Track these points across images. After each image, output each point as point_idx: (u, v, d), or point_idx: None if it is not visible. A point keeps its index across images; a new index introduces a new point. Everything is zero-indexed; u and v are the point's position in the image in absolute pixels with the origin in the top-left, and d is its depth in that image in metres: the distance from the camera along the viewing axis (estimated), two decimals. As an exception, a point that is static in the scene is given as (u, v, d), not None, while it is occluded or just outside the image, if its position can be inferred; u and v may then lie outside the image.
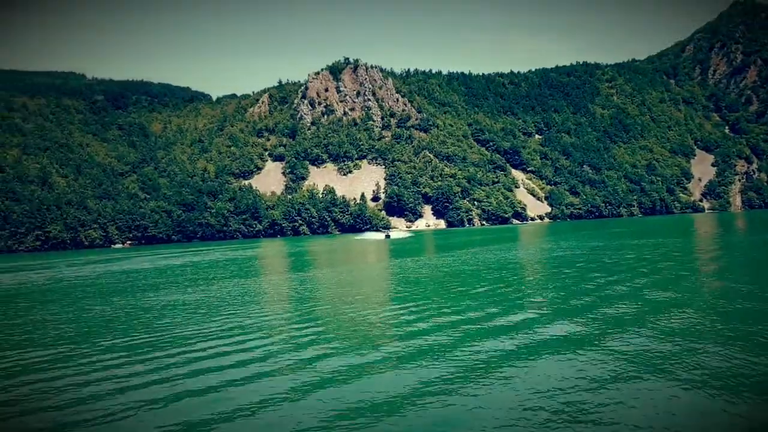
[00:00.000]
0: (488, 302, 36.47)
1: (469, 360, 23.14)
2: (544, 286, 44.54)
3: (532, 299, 37.08)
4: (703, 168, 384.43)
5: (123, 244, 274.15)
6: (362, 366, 23.13)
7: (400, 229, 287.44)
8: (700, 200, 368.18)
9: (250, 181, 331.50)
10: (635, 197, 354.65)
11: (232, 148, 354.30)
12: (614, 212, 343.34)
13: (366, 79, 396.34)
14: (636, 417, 16.53)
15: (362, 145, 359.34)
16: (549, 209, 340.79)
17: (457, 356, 23.83)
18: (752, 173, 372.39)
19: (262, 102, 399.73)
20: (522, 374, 20.91)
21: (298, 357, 24.90)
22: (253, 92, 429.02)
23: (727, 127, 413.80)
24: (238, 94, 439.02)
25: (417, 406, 18.38)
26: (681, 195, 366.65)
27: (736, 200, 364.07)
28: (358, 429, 16.87)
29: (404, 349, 25.32)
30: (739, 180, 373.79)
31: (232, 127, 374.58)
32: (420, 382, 20.55)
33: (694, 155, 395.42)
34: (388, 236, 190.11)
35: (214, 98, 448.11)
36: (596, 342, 25.02)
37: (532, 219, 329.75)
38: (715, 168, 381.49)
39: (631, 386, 19.01)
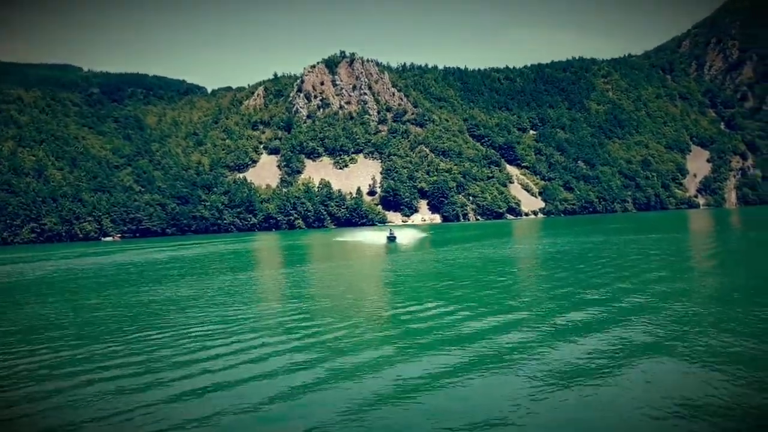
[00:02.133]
0: (501, 297, 36.71)
1: (474, 351, 23.62)
2: (550, 280, 44.88)
3: (544, 293, 37.38)
4: (698, 164, 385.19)
5: (114, 237, 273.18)
6: (362, 361, 23.43)
7: (408, 225, 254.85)
8: (695, 196, 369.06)
9: (245, 174, 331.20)
10: (630, 193, 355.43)
11: (227, 141, 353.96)
12: (608, 208, 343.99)
13: (362, 72, 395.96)
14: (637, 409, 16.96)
15: (358, 139, 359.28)
16: (543, 204, 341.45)
17: (454, 349, 24.18)
18: (747, 169, 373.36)
19: (258, 95, 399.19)
20: (523, 365, 21.29)
21: (295, 352, 25.10)
22: (249, 85, 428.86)
23: (722, 123, 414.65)
24: (234, 87, 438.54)
25: (413, 398, 18.83)
26: (676, 191, 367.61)
27: (731, 196, 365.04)
28: (357, 424, 17.16)
29: (407, 342, 25.61)
30: (734, 176, 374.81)
31: (227, 119, 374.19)
32: (416, 375, 21.06)
33: (690, 151, 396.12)
34: (392, 238, 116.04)
35: (210, 91, 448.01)
36: (594, 333, 25.50)
37: (526, 214, 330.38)
38: (711, 164, 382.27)
39: (630, 375, 19.52)
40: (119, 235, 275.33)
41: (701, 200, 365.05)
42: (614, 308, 32.29)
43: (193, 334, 30.34)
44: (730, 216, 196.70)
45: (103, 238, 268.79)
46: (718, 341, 23.90)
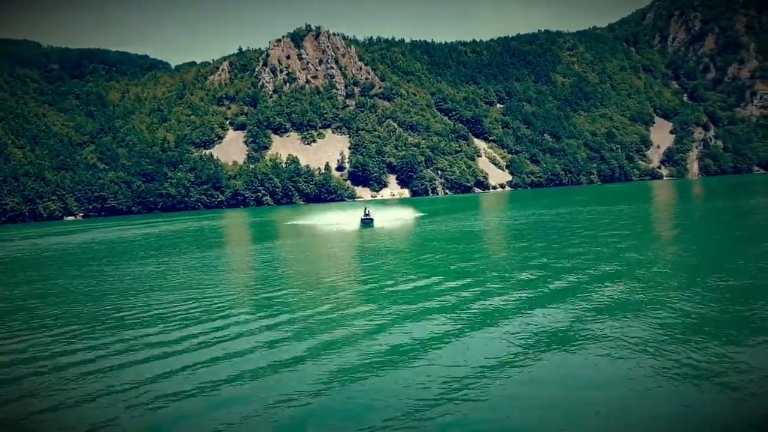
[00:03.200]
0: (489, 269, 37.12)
1: (452, 319, 24.04)
2: (531, 251, 45.71)
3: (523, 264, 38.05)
4: (661, 135, 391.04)
5: (76, 216, 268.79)
6: (341, 334, 23.70)
7: (385, 202, 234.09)
8: (659, 167, 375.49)
9: (211, 150, 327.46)
10: (595, 165, 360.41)
11: (192, 117, 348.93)
12: (574, 180, 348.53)
13: (328, 46, 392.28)
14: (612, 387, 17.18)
15: (326, 113, 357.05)
16: (510, 178, 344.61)
17: (429, 319, 24.56)
18: (709, 140, 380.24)
19: (223, 70, 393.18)
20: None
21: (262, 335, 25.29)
22: (213, 60, 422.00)
23: (685, 95, 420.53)
24: (198, 62, 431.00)
25: (387, 370, 18.99)
26: (640, 162, 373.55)
27: (694, 167, 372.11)
28: (332, 399, 17.39)
29: (372, 320, 25.96)
30: (697, 147, 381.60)
31: (191, 95, 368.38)
32: (392, 347, 21.23)
33: (653, 123, 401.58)
34: (368, 221, 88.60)
35: (173, 66, 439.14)
36: (568, 299, 26.27)
37: (494, 187, 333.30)
38: (674, 135, 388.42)
39: (604, 338, 20.23)
40: (81, 215, 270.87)
41: (664, 171, 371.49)
42: (586, 276, 33.26)
43: (157, 315, 30.41)
44: (692, 187, 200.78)
45: (65, 218, 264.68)
46: (686, 304, 24.86)
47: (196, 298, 34.46)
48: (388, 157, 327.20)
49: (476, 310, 27.42)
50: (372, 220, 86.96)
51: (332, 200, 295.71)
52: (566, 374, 18.03)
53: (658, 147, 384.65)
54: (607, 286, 30.68)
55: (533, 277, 34.99)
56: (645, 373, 17.68)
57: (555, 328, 23.09)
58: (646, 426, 14.79)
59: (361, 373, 19.45)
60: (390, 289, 34.37)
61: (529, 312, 26.19)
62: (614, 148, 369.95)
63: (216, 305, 32.05)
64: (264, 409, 17.00)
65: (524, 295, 30.10)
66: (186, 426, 16.41)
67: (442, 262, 45.10)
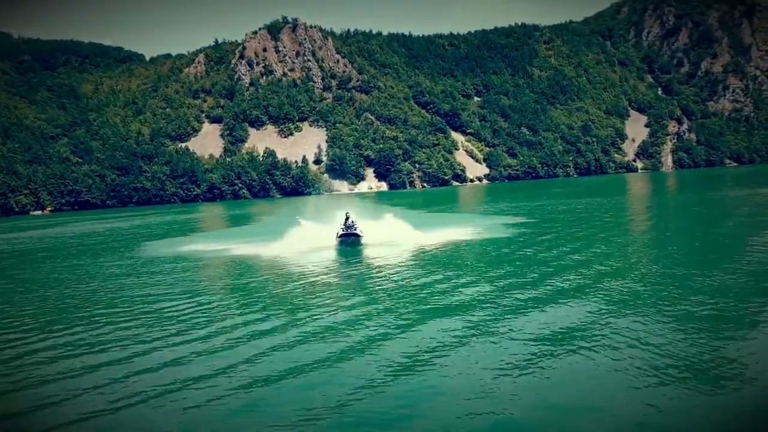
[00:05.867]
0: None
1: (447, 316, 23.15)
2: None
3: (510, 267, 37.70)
4: (636, 129, 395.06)
5: (43, 210, 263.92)
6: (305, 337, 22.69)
7: (364, 193, 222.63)
8: (634, 160, 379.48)
9: (186, 143, 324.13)
10: (571, 158, 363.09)
11: (167, 109, 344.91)
12: (551, 173, 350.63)
13: (305, 39, 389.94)
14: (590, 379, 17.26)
15: (303, 106, 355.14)
16: (488, 171, 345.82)
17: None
18: (683, 134, 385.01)
19: (198, 62, 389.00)
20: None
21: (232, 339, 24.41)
22: (189, 52, 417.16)
23: (659, 89, 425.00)
24: (173, 54, 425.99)
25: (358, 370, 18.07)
26: (615, 155, 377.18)
27: (668, 160, 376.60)
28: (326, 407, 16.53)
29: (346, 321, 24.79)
30: (671, 140, 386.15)
31: (167, 88, 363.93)
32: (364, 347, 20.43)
33: (629, 116, 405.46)
34: (349, 236, 50.52)
35: (148, 58, 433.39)
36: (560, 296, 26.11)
37: (471, 180, 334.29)
38: (648, 129, 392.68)
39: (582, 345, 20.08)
40: (49, 209, 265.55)
41: (639, 164, 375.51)
42: (582, 270, 33.28)
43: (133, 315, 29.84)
44: (668, 179, 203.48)
45: (32, 212, 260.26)
46: (679, 299, 24.96)
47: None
48: (366, 150, 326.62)
49: (493, 310, 27.21)
50: (358, 236, 50.32)
51: (309, 194, 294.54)
52: (565, 375, 17.69)
53: (633, 140, 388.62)
54: (606, 281, 30.74)
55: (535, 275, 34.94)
56: (647, 371, 17.60)
57: (551, 329, 22.92)
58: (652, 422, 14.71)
59: (363, 377, 18.75)
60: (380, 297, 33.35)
61: (534, 310, 26.04)
62: (590, 141, 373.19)
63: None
64: (258, 402, 16.60)
65: (528, 295, 29.98)
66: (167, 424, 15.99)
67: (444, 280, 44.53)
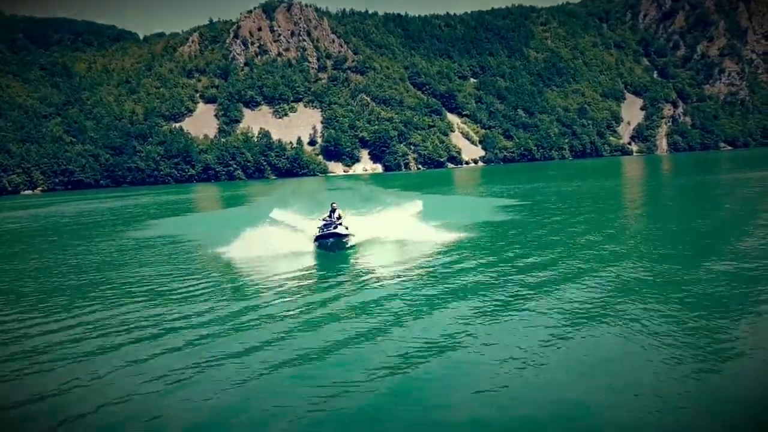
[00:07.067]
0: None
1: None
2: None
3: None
4: (632, 112, 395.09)
5: (33, 190, 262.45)
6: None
7: (359, 174, 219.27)
8: (629, 143, 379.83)
9: (181, 123, 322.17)
10: (567, 140, 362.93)
11: (161, 89, 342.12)
12: (546, 155, 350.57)
13: (301, 18, 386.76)
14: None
15: (298, 87, 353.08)
16: (483, 153, 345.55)
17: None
18: (678, 117, 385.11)
19: (192, 41, 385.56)
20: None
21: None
22: (183, 31, 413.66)
23: (655, 72, 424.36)
24: (167, 33, 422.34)
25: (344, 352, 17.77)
26: (611, 138, 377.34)
27: (663, 143, 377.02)
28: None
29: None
30: (666, 123, 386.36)
31: (160, 67, 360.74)
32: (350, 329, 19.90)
33: (624, 99, 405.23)
34: (328, 238, 36.27)
35: (142, 37, 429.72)
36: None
37: (467, 163, 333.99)
38: (644, 112, 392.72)
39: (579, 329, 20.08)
40: (40, 189, 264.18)
41: (634, 147, 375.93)
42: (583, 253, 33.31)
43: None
44: (664, 163, 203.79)
45: (22, 192, 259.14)
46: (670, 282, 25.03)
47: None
48: (361, 131, 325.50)
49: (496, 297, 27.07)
50: (340, 236, 36.72)
51: (304, 175, 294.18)
52: (571, 365, 17.21)
53: (629, 123, 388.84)
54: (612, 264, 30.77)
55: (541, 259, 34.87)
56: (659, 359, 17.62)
57: (554, 315, 22.93)
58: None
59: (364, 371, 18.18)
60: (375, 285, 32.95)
61: (544, 292, 26.08)
62: (586, 123, 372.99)
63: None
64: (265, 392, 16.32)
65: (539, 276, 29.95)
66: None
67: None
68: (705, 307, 21.34)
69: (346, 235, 36.91)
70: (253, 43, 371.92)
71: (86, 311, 25.44)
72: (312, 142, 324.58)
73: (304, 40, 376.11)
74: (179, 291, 28.25)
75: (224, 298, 26.41)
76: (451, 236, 39.40)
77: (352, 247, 37.87)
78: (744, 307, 21.21)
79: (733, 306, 21.39)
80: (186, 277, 31.41)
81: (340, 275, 30.87)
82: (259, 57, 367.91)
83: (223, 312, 23.80)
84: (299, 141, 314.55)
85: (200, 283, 29.54)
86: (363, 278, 29.41)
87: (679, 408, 14.05)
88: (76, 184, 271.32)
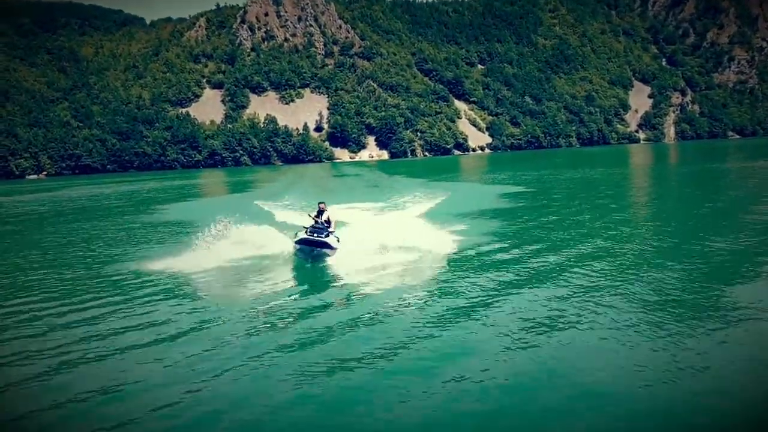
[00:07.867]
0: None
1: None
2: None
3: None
4: (640, 99, 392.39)
5: (38, 175, 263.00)
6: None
7: (365, 161, 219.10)
8: (636, 131, 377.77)
9: (187, 109, 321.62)
10: (574, 128, 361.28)
11: (168, 74, 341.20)
12: (553, 143, 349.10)
13: (308, 3, 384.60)
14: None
15: (304, 73, 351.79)
16: (490, 140, 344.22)
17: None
18: (686, 105, 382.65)
19: (199, 26, 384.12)
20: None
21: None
22: (189, 16, 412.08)
23: (664, 60, 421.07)
24: (174, 18, 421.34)
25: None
26: (618, 126, 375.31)
27: (670, 132, 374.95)
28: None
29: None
30: (674, 112, 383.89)
31: (167, 52, 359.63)
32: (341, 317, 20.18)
33: (632, 86, 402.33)
34: (310, 244, 31.62)
35: (149, 22, 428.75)
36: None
37: (473, 150, 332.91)
38: (652, 100, 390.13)
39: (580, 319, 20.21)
40: (44, 173, 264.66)
41: (642, 135, 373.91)
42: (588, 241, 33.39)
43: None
44: (672, 151, 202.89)
45: (27, 176, 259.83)
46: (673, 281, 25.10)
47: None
48: (367, 118, 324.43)
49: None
50: (326, 245, 31.68)
51: (311, 161, 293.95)
52: (560, 363, 17.01)
53: (636, 111, 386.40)
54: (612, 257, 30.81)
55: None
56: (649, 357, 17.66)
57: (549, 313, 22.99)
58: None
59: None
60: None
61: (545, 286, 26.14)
62: (593, 111, 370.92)
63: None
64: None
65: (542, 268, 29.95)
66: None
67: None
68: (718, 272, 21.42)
69: (330, 246, 31.50)
70: (259, 29, 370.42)
71: (69, 305, 25.37)
72: (318, 129, 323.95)
73: (311, 26, 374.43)
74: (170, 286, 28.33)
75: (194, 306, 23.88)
76: (451, 236, 35.92)
77: (330, 255, 31.60)
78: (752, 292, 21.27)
79: (740, 295, 21.45)
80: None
81: (318, 283, 27.68)
82: (265, 42, 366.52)
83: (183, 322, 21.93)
84: (305, 127, 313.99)
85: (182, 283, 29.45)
86: (344, 283, 27.19)
87: (679, 406, 14.15)
88: (83, 168, 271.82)
